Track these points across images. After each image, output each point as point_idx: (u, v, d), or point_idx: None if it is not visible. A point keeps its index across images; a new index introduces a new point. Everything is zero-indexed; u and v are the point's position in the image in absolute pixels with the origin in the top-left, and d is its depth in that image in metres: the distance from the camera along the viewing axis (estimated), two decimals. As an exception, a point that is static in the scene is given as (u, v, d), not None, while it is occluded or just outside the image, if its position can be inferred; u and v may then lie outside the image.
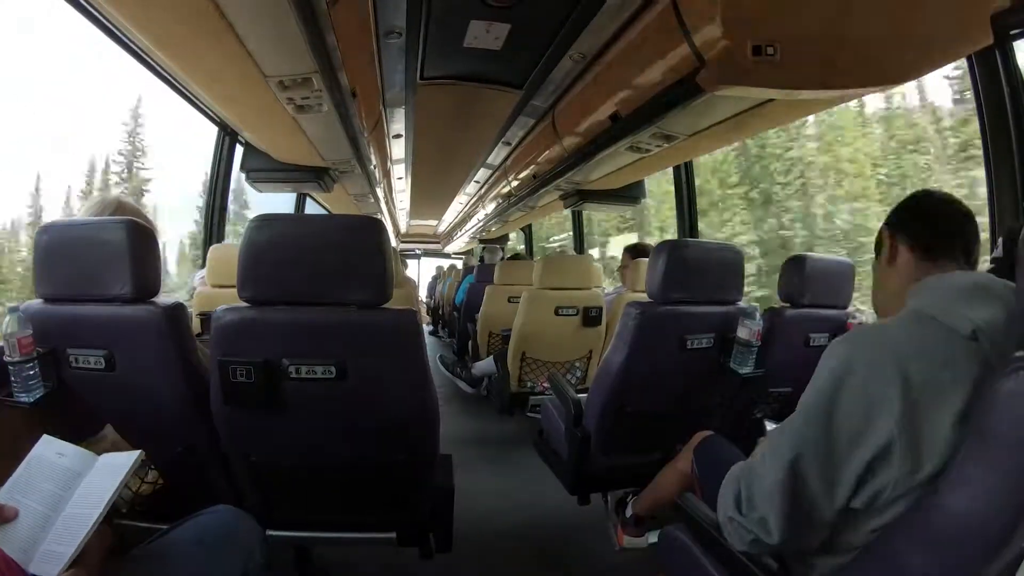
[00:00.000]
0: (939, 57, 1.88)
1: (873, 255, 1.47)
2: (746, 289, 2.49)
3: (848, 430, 1.11)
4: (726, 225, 18.08)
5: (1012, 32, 1.74)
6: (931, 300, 1.15)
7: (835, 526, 1.19)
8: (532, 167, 4.51)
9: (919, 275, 1.28)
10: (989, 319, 1.05)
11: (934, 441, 1.03)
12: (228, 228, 4.10)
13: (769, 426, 1.94)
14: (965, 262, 1.29)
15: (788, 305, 2.50)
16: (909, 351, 1.08)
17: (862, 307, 2.69)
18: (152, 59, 2.58)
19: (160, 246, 1.86)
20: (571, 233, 8.12)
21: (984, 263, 1.67)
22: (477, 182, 6.07)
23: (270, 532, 1.89)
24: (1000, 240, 1.72)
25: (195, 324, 3.01)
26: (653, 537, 2.46)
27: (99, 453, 1.86)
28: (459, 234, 11.46)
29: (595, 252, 17.41)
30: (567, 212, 6.62)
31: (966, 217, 1.33)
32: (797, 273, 2.44)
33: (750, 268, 12.30)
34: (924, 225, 1.34)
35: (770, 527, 1.22)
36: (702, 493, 1.83)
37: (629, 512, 2.48)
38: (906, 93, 16.54)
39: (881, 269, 1.43)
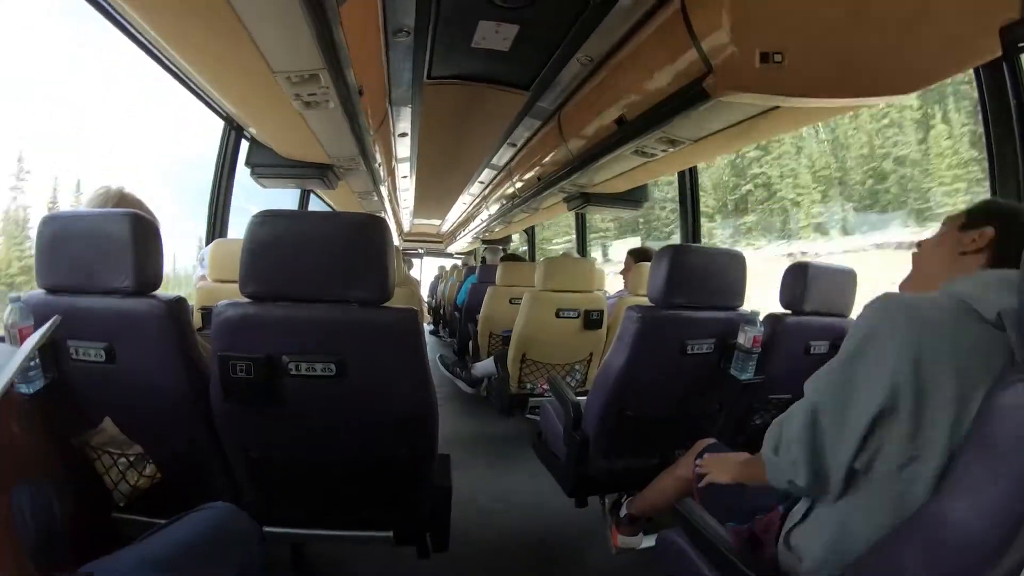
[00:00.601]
0: (946, 68, 1.89)
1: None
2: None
3: (862, 386, 1.13)
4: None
5: (1020, 44, 1.73)
6: (964, 287, 1.16)
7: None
8: (537, 169, 4.52)
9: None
10: (1013, 304, 1.04)
11: (937, 417, 1.04)
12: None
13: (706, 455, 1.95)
14: None
15: (789, 312, 2.50)
16: (932, 320, 1.09)
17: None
18: (160, 53, 2.58)
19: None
20: (571, 237, 8.13)
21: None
22: (481, 182, 6.08)
23: (267, 529, 1.89)
24: None
25: (196, 318, 3.01)
26: (648, 540, 2.46)
27: (97, 446, 1.88)
28: (462, 234, 11.46)
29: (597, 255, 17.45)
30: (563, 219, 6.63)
31: None
32: (799, 280, 2.43)
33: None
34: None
35: (799, 469, 1.26)
36: (701, 500, 1.83)
37: (623, 512, 2.48)
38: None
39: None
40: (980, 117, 2.21)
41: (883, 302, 1.19)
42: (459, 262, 14.76)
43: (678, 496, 2.13)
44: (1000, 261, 1.26)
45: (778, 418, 1.40)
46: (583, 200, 4.53)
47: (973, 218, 1.35)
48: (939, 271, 1.35)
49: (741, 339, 2.36)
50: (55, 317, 1.12)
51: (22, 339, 1.68)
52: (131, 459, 1.92)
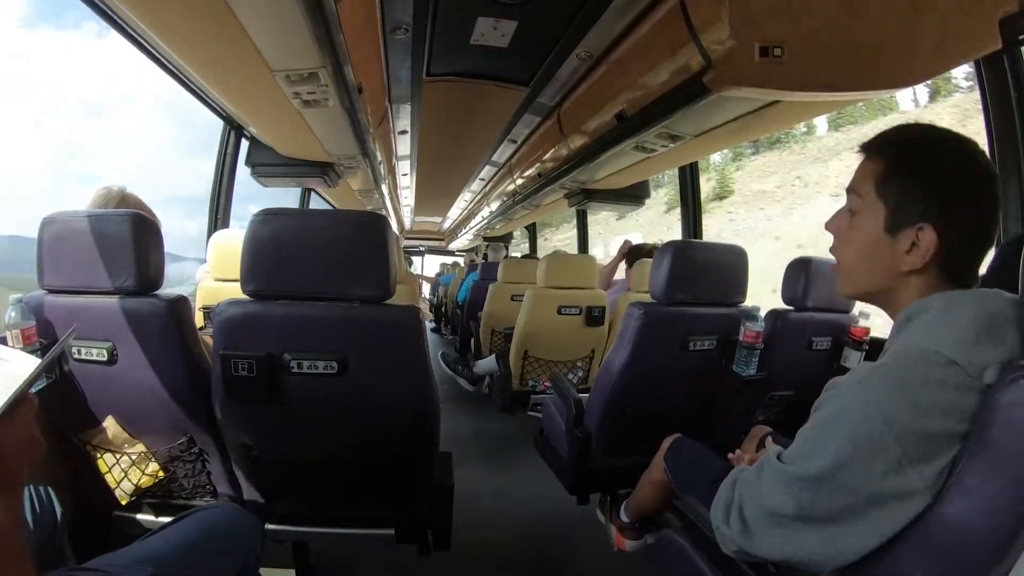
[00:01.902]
0: (946, 60, 1.88)
1: None
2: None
3: (864, 493, 1.03)
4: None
5: (1021, 37, 1.73)
6: (947, 338, 1.03)
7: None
8: (537, 165, 4.52)
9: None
10: (1004, 359, 0.98)
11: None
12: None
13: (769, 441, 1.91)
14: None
15: (791, 308, 2.49)
16: (931, 404, 0.99)
17: (866, 310, 2.68)
18: (159, 53, 2.58)
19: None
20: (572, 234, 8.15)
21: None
22: (482, 179, 6.08)
23: (269, 526, 1.90)
24: (998, 249, 1.68)
25: (198, 317, 3.01)
26: (650, 538, 2.46)
27: (99, 445, 1.88)
28: (463, 231, 11.48)
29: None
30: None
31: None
32: (800, 275, 2.43)
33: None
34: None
35: (753, 539, 1.20)
36: (681, 495, 1.81)
37: (624, 518, 2.48)
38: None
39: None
40: (981, 109, 2.21)
41: (861, 390, 1.06)
42: (456, 260, 14.80)
43: (659, 499, 2.13)
44: (951, 265, 1.13)
45: (728, 482, 1.32)
46: (584, 196, 4.52)
47: (887, 193, 1.15)
48: (881, 290, 1.21)
49: (743, 335, 2.35)
50: (75, 325, 1.13)
51: (24, 339, 1.68)
52: (133, 458, 1.92)
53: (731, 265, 2.41)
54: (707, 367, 2.46)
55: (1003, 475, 0.89)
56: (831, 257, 1.28)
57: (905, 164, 1.13)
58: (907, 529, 1.01)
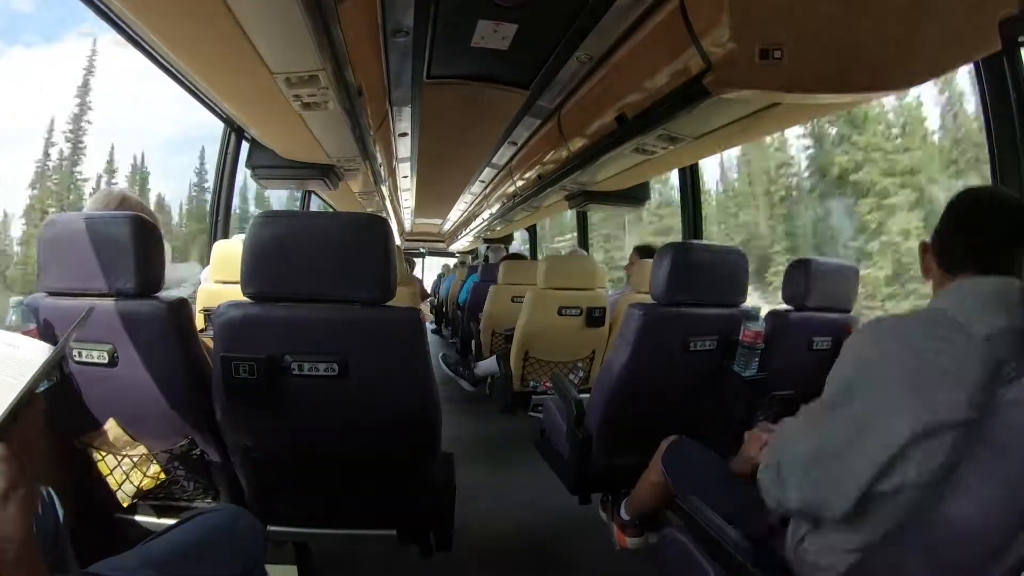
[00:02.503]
0: (946, 63, 1.88)
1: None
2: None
3: (868, 422, 1.13)
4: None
5: (1020, 38, 1.73)
6: (953, 301, 1.17)
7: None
8: (537, 167, 4.52)
9: (940, 287, 1.31)
10: (1006, 328, 1.05)
11: (943, 433, 1.03)
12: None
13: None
14: (981, 271, 1.25)
15: (792, 308, 2.50)
16: (925, 346, 1.10)
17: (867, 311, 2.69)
18: (160, 55, 2.58)
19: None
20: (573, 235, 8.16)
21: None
22: (482, 181, 6.08)
23: (270, 528, 1.90)
24: None
25: (199, 320, 3.01)
26: (652, 537, 2.46)
27: (101, 447, 1.88)
28: (464, 233, 11.45)
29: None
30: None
31: (986, 215, 1.31)
32: (801, 276, 2.43)
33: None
34: (946, 236, 1.34)
35: (786, 487, 1.29)
36: (679, 496, 1.82)
37: (625, 516, 2.48)
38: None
39: (928, 280, 1.41)
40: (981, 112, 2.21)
41: (869, 329, 1.26)
42: (454, 262, 14.81)
43: (657, 499, 2.14)
44: (942, 259, 1.32)
45: (772, 444, 1.44)
46: (584, 198, 4.52)
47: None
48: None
49: (743, 335, 2.36)
50: (89, 307, 1.13)
51: None
52: (135, 460, 1.92)
53: (731, 266, 2.42)
54: (708, 367, 2.47)
55: (1005, 473, 0.89)
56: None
57: None
58: (909, 524, 1.03)
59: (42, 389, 1.69)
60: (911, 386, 1.07)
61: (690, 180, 4.34)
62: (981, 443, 0.94)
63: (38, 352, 0.93)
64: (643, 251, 4.41)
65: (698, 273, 2.33)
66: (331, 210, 6.36)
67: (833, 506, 1.19)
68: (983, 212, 1.31)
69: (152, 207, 3.36)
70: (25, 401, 0.85)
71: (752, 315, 2.37)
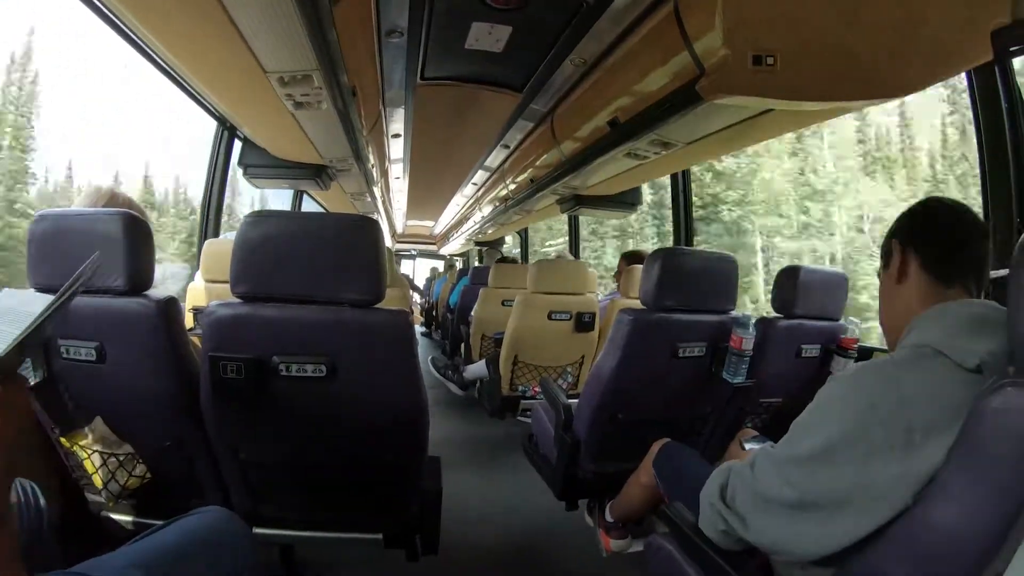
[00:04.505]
0: (939, 71, 1.89)
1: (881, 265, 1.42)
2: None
3: (848, 480, 1.09)
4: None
5: (1011, 48, 1.74)
6: (937, 334, 1.12)
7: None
8: (530, 171, 4.52)
9: (928, 299, 1.25)
10: (992, 350, 1.02)
11: (928, 475, 1.00)
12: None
13: (751, 445, 1.92)
14: (976, 286, 1.26)
15: (781, 315, 2.50)
16: (916, 393, 1.05)
17: (855, 318, 2.70)
18: (154, 52, 2.57)
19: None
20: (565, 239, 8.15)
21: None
22: (474, 184, 6.09)
23: (256, 530, 1.89)
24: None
25: (188, 319, 3.00)
26: (638, 544, 2.46)
27: (87, 445, 1.87)
28: (455, 236, 11.46)
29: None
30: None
31: (983, 235, 1.29)
32: (790, 283, 2.44)
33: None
34: (940, 244, 1.29)
35: (748, 525, 1.26)
36: (668, 501, 1.82)
37: (610, 517, 2.49)
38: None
39: (890, 286, 1.36)
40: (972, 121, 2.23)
41: (855, 379, 1.17)
42: (441, 264, 14.87)
43: (645, 502, 2.15)
44: (942, 274, 1.26)
45: (722, 468, 1.41)
46: (576, 202, 4.52)
47: (884, 248, 1.39)
48: (890, 310, 1.37)
49: (732, 342, 2.36)
50: (96, 253, 1.11)
51: None
52: (121, 459, 1.91)
53: (721, 273, 2.42)
54: (696, 374, 2.47)
55: (988, 481, 0.89)
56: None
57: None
58: (892, 531, 1.03)
59: (27, 386, 1.68)
60: (901, 450, 1.02)
61: (682, 186, 4.35)
62: (966, 449, 0.93)
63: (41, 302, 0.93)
64: (631, 257, 4.42)
65: (688, 279, 2.33)
66: (323, 210, 6.36)
67: (805, 554, 1.18)
68: (968, 226, 1.29)
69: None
70: (34, 341, 0.86)
71: (742, 322, 2.37)
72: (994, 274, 1.34)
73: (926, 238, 1.30)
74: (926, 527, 0.97)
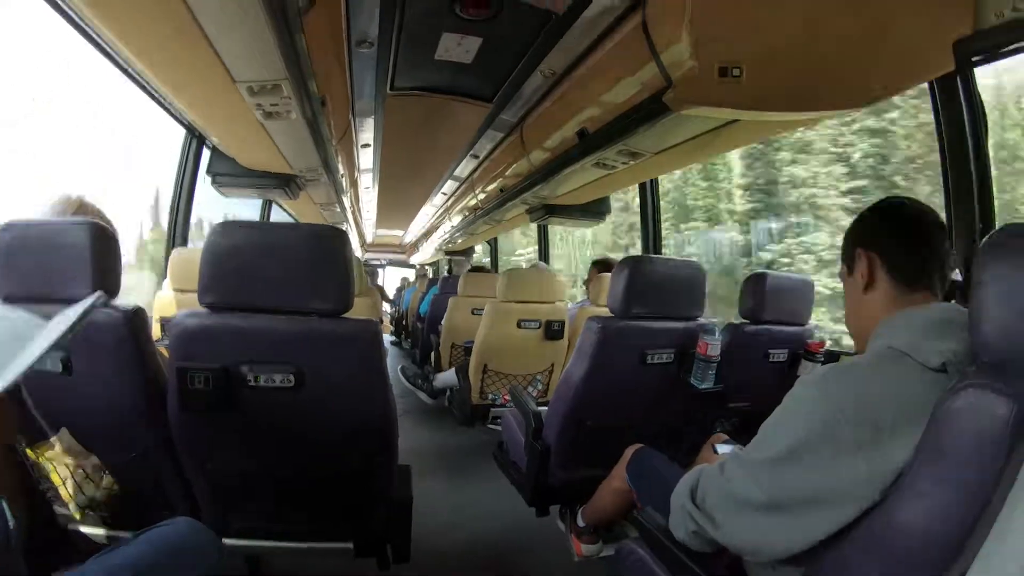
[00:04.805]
0: (902, 81, 1.94)
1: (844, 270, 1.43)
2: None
3: (816, 479, 1.10)
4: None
5: (973, 58, 1.79)
6: (904, 337, 1.14)
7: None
8: (499, 180, 4.53)
9: (895, 303, 1.27)
10: (957, 350, 1.05)
11: (894, 472, 1.02)
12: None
13: (722, 449, 1.94)
14: (940, 285, 1.28)
15: (748, 321, 2.54)
16: (882, 393, 1.08)
17: (820, 323, 2.74)
18: (119, 57, 2.55)
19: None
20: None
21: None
22: (444, 194, 6.08)
23: (225, 541, 1.88)
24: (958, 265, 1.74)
25: (155, 329, 2.97)
26: (609, 549, 2.48)
27: (53, 457, 1.85)
28: (425, 245, 11.44)
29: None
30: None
31: (943, 232, 1.30)
32: (758, 289, 2.48)
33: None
34: (906, 244, 1.30)
35: (718, 525, 1.28)
36: (641, 506, 1.84)
37: (581, 522, 2.50)
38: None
39: (856, 293, 1.37)
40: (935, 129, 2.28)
41: (822, 381, 1.17)
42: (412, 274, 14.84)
43: (618, 507, 2.17)
44: (909, 280, 1.28)
45: (692, 472, 1.43)
46: (545, 212, 4.55)
47: (846, 254, 1.40)
48: (857, 316, 1.39)
49: (700, 348, 2.39)
50: (99, 293, 1.08)
51: None
52: (88, 470, 1.89)
53: (688, 280, 2.44)
54: (665, 380, 2.49)
55: (952, 480, 0.91)
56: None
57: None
58: (860, 529, 1.05)
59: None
60: (868, 449, 1.04)
61: (650, 195, 4.39)
62: (930, 449, 0.95)
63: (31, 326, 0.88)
64: (601, 265, 4.44)
65: (656, 287, 2.35)
66: (292, 220, 6.32)
67: (775, 553, 1.20)
68: (931, 226, 1.30)
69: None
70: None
71: (708, 328, 2.40)
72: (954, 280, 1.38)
73: (891, 240, 1.31)
74: (893, 524, 0.99)
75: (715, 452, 1.96)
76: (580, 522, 2.50)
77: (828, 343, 2.70)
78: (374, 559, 2.11)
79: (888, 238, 1.32)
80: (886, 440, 1.04)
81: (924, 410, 1.00)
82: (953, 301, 1.32)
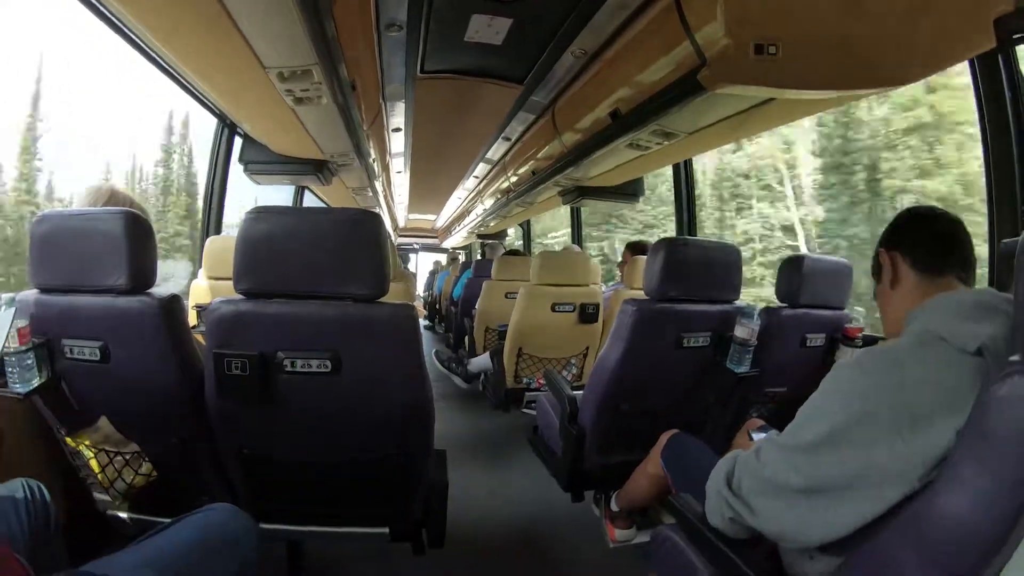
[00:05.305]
0: (941, 60, 1.88)
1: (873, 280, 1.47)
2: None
3: (854, 464, 1.10)
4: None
5: (1015, 36, 1.74)
6: (938, 320, 1.14)
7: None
8: (531, 163, 4.51)
9: (924, 294, 1.28)
10: (993, 334, 1.04)
11: (935, 458, 1.01)
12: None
13: (758, 435, 1.92)
14: (964, 273, 1.30)
15: (785, 305, 2.50)
16: (920, 378, 1.07)
17: (860, 307, 2.70)
18: (152, 50, 2.57)
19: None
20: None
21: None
22: (476, 177, 6.07)
23: (262, 525, 1.89)
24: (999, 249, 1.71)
25: (191, 316, 3.00)
26: (643, 535, 2.47)
27: (93, 444, 1.87)
28: (457, 229, 11.46)
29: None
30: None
31: (959, 225, 1.34)
32: (795, 273, 2.43)
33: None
34: (923, 239, 1.34)
35: (755, 512, 1.28)
36: (676, 492, 1.83)
37: (615, 507, 2.49)
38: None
39: (885, 295, 1.41)
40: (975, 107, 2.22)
41: (858, 365, 1.18)
42: (444, 258, 14.86)
43: (652, 492, 2.16)
44: (930, 267, 1.32)
45: (728, 457, 1.43)
46: (578, 193, 4.52)
47: (873, 263, 1.46)
48: (890, 314, 1.41)
49: (738, 332, 2.36)
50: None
51: (20, 339, 1.67)
52: (127, 457, 1.92)
53: (725, 263, 2.41)
54: (701, 364, 2.47)
55: (997, 468, 0.89)
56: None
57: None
58: (899, 516, 1.03)
59: (33, 387, 1.69)
60: (906, 434, 1.03)
61: (684, 176, 4.35)
62: (975, 437, 0.93)
63: None
64: (636, 247, 4.41)
65: (692, 269, 2.32)
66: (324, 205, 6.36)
67: (812, 539, 1.19)
68: (944, 218, 1.35)
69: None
70: None
71: (746, 312, 2.37)
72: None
73: (912, 236, 1.36)
74: (933, 512, 0.97)
75: (751, 438, 1.94)
76: (614, 507, 2.49)
77: (866, 328, 2.64)
78: (409, 544, 2.12)
79: (905, 234, 1.38)
80: (923, 425, 1.02)
81: (962, 395, 1.00)
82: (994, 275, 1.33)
